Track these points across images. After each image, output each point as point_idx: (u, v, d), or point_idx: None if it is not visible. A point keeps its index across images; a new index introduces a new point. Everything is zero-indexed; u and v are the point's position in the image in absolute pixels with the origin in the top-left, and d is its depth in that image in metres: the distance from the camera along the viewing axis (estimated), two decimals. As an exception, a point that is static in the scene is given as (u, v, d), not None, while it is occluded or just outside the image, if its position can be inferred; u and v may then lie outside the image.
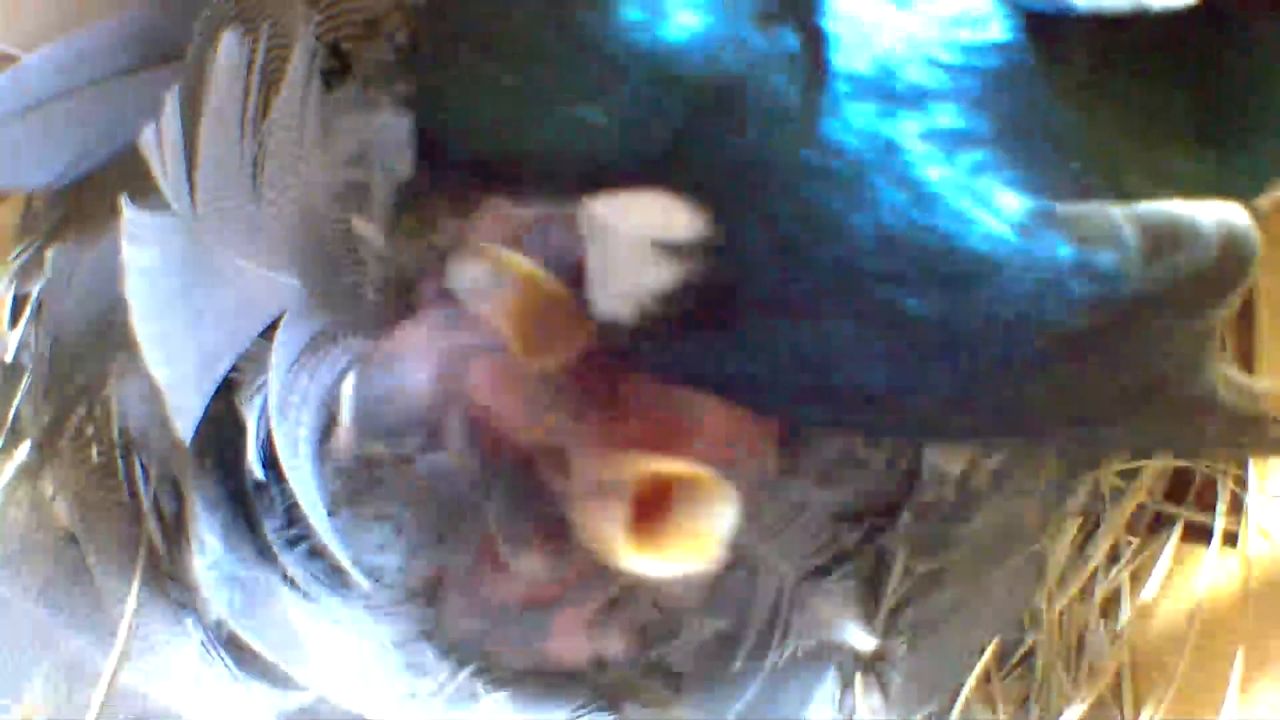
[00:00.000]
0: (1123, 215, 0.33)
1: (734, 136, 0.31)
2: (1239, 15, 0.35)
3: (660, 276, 0.36)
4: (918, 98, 0.32)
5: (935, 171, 0.32)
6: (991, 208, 0.33)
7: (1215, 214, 0.34)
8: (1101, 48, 0.35)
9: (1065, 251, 0.33)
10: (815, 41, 0.32)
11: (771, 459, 0.52)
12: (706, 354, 0.38)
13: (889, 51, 0.32)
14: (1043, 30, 0.34)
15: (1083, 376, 0.35)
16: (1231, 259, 0.34)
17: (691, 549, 0.45)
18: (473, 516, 0.53)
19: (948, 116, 0.33)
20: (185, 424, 0.47)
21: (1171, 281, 0.34)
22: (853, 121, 0.32)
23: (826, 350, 0.35)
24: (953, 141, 0.33)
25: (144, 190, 0.46)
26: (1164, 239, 0.33)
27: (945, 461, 0.52)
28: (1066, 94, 0.34)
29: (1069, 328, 0.33)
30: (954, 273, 0.33)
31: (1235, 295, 0.36)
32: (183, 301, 0.47)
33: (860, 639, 0.50)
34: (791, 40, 0.31)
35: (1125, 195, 0.34)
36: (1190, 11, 0.34)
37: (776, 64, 0.31)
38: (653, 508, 0.45)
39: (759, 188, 0.32)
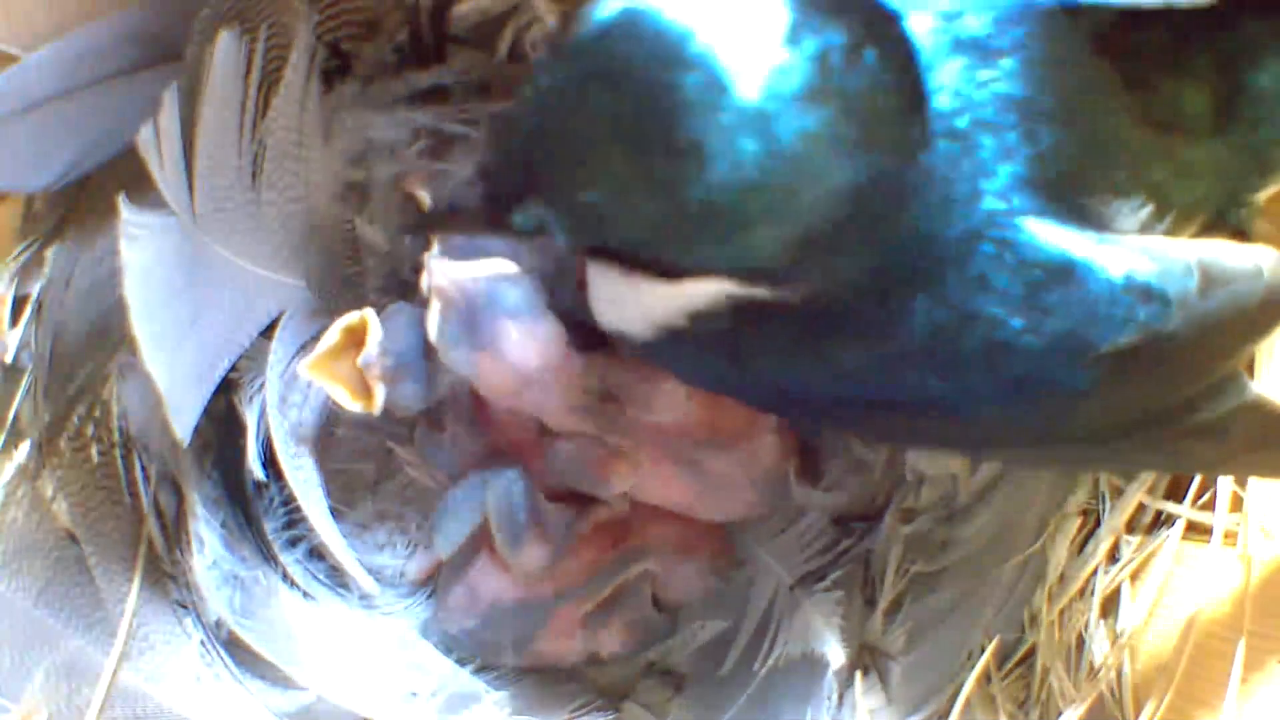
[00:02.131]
0: (1184, 250, 0.35)
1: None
2: (1244, 17, 0.36)
3: (694, 305, 0.35)
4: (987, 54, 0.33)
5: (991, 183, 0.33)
6: (1055, 225, 0.33)
7: (1264, 258, 0.35)
8: (1123, 43, 0.35)
9: (1128, 276, 0.34)
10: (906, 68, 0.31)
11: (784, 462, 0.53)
12: (729, 364, 0.38)
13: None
14: (1067, 24, 0.34)
15: (1120, 398, 0.36)
16: (1275, 301, 0.36)
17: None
18: (467, 512, 0.53)
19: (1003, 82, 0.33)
20: (183, 425, 0.47)
21: (1217, 316, 0.35)
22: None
23: (884, 364, 0.36)
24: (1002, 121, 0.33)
25: (144, 190, 0.46)
26: (1217, 276, 0.35)
27: (928, 465, 0.52)
28: (1091, 86, 0.35)
29: (1117, 347, 0.34)
30: (1029, 280, 0.34)
31: (1272, 334, 0.37)
32: (181, 302, 0.47)
33: (835, 655, 0.50)
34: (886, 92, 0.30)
35: (1152, 188, 0.35)
36: (1207, 8, 0.34)
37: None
38: None
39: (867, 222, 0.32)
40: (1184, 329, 0.34)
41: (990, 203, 0.33)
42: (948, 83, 0.33)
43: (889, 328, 0.34)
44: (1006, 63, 0.34)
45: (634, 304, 0.37)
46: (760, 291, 0.33)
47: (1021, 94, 0.33)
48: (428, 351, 0.50)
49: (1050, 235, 0.33)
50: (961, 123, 0.33)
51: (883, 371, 0.36)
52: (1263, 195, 0.38)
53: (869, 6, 0.31)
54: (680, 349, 0.38)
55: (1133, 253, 0.34)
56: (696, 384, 0.46)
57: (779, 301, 0.34)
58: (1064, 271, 0.33)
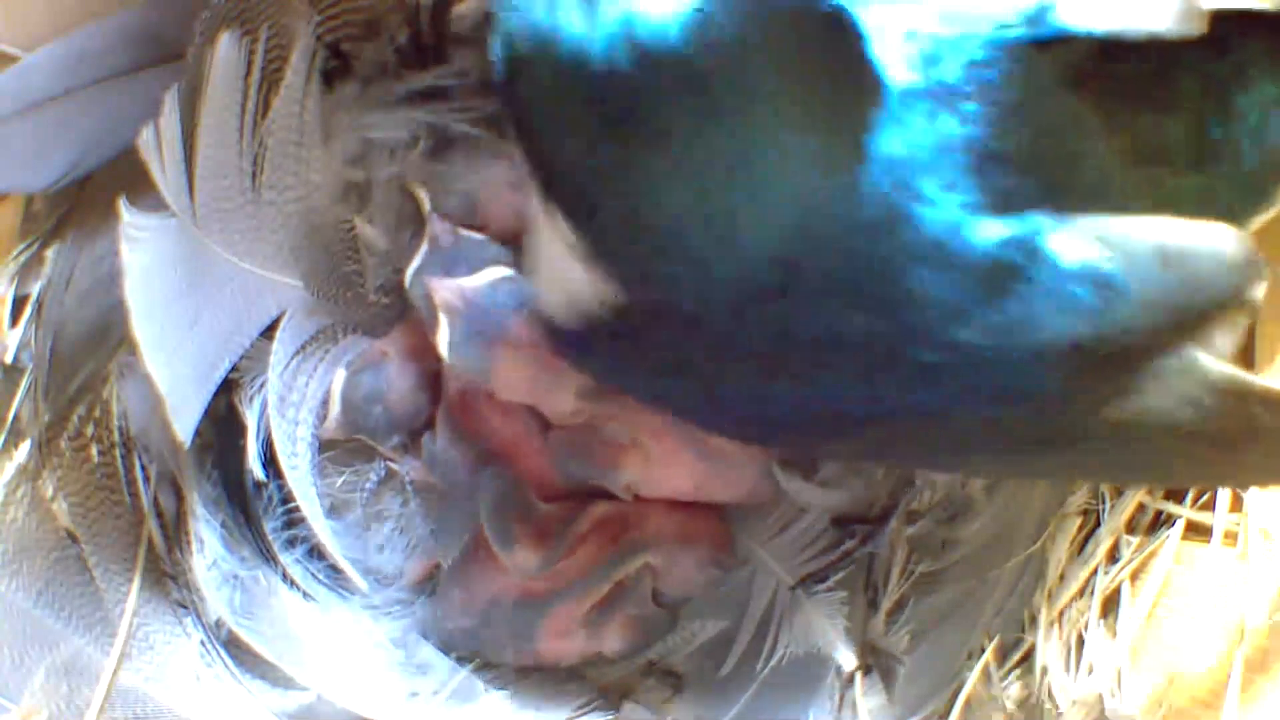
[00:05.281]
0: (1131, 228, 0.34)
1: None
2: (1234, 40, 0.35)
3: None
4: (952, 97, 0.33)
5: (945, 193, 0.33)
6: (1001, 220, 0.33)
7: (1224, 238, 0.34)
8: (1104, 74, 0.35)
9: (1072, 260, 0.33)
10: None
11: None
12: (640, 367, 0.38)
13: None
14: (1039, 62, 0.34)
15: (1084, 406, 0.35)
16: (1234, 281, 0.35)
17: None
18: (465, 513, 0.53)
19: (971, 123, 0.33)
20: (184, 426, 0.47)
21: (1174, 302, 0.34)
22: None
23: (837, 374, 0.35)
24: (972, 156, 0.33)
25: (144, 191, 0.46)
26: (1177, 258, 0.34)
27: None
28: (1071, 116, 0.35)
29: (1073, 341, 0.33)
30: (972, 288, 0.33)
31: (1239, 317, 0.36)
32: (182, 303, 0.47)
33: (845, 656, 0.50)
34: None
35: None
36: (1191, 39, 0.34)
37: None
38: None
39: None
40: (1144, 314, 0.34)
41: (932, 228, 0.33)
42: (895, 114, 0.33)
43: (834, 343, 0.34)
44: (968, 106, 0.33)
45: (563, 273, 0.37)
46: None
47: (979, 136, 0.33)
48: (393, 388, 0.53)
49: (997, 234, 0.33)
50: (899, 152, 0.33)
51: (844, 385, 0.35)
52: (1254, 224, 0.37)
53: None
54: (600, 345, 0.38)
55: (1087, 240, 0.33)
56: (616, 385, 0.46)
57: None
58: (1013, 273, 0.33)
